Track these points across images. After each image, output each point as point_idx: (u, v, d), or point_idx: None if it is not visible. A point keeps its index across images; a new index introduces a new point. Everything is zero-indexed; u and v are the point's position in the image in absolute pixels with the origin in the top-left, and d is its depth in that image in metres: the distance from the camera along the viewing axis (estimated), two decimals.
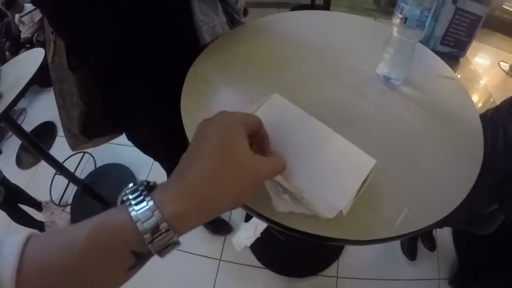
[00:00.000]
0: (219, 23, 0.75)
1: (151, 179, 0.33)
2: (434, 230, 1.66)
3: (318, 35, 0.79)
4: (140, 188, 0.30)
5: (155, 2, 0.65)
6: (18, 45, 2.66)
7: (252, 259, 1.58)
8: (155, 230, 0.27)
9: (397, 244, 1.65)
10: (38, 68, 1.38)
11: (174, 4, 0.69)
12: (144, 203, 0.28)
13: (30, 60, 1.46)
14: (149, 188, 0.31)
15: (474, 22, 2.44)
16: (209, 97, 0.66)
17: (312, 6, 2.91)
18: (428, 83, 0.71)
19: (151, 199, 0.29)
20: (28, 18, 2.59)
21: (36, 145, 1.58)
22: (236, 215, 1.73)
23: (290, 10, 2.53)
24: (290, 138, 0.49)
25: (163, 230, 0.27)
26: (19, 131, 1.53)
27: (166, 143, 0.76)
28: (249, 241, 1.57)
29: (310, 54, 0.74)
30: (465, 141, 0.59)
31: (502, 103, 1.01)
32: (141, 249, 0.28)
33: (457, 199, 0.51)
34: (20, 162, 2.22)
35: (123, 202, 0.30)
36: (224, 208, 0.32)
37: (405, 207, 0.49)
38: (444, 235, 1.68)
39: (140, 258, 0.28)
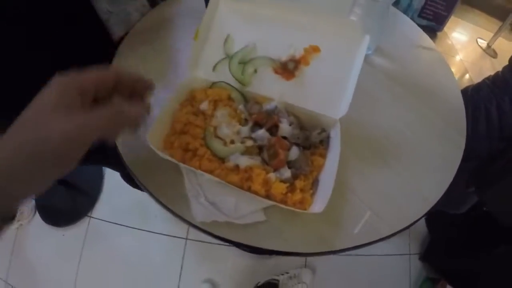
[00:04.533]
0: (133, 9, 0.60)
1: None
2: None
3: None
4: None
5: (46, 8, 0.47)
6: None
7: None
8: None
9: None
10: None
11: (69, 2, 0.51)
12: None
13: None
14: None
15: None
16: None
17: None
18: (403, 53, 0.61)
19: None
20: None
21: None
22: None
23: None
24: None
25: None
26: None
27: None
28: None
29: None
30: (446, 124, 0.50)
31: (483, 81, 0.90)
32: None
33: (433, 198, 0.42)
34: None
35: None
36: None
37: (368, 209, 0.39)
38: None
39: None
